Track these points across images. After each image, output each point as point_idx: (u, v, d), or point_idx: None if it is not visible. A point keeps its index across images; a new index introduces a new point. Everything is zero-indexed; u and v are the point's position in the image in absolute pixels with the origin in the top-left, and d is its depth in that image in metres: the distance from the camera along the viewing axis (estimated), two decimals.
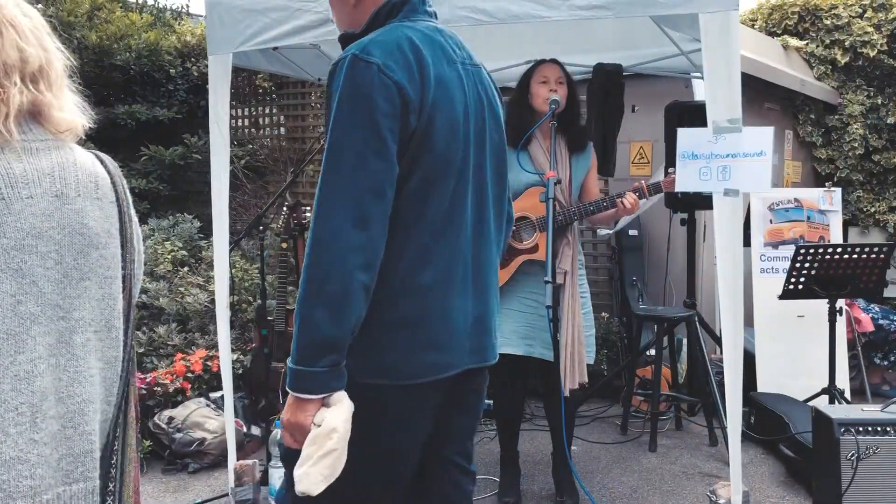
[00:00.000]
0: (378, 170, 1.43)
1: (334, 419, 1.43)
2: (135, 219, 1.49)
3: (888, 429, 2.88)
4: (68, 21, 5.92)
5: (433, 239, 1.55)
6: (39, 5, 6.00)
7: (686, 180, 2.70)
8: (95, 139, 6.03)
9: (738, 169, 2.58)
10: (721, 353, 2.90)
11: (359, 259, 1.41)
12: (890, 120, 6.16)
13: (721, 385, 3.37)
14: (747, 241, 4.46)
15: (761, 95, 5.71)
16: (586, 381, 3.08)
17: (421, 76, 1.49)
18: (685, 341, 4.40)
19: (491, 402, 4.38)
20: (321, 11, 2.94)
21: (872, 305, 4.86)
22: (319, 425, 1.42)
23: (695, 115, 3.82)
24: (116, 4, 6.74)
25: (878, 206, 6.30)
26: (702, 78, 3.26)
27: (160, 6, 9.38)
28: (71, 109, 1.35)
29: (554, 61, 3.19)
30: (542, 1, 2.62)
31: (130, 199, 1.49)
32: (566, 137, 3.19)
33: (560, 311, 3.06)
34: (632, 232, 5.25)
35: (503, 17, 2.68)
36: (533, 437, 4.16)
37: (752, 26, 6.57)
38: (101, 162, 1.41)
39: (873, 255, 3.69)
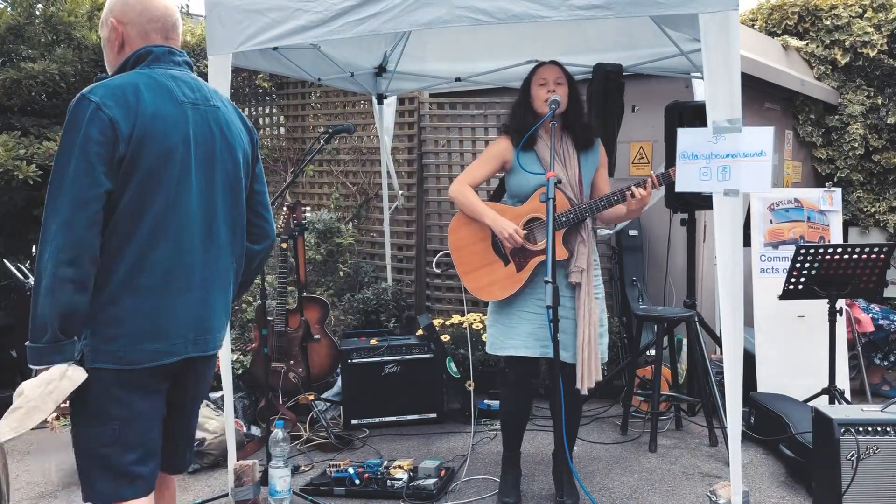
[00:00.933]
0: (84, 185, 1.79)
1: (25, 384, 1.79)
2: None
3: (888, 429, 2.88)
4: (68, 21, 5.91)
5: (149, 247, 1.89)
6: (39, 5, 5.99)
7: (686, 180, 2.70)
8: None
9: (738, 169, 2.58)
10: (721, 353, 2.91)
11: (64, 256, 1.76)
12: (890, 120, 6.16)
13: (721, 385, 3.37)
14: (747, 241, 4.46)
15: (761, 95, 5.71)
16: (601, 378, 3.10)
17: (136, 113, 1.85)
18: (685, 341, 4.40)
19: (491, 402, 4.40)
20: (321, 11, 2.94)
21: (872, 305, 4.86)
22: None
23: (695, 115, 3.83)
24: None
25: (878, 206, 6.31)
26: (702, 78, 3.26)
27: None
28: None
29: (553, 62, 3.19)
30: (542, 1, 2.62)
31: None
32: (572, 136, 3.19)
33: (577, 308, 3.09)
34: (632, 232, 5.25)
35: (503, 17, 2.68)
36: (533, 437, 4.16)
37: (752, 26, 6.58)
38: None
39: (873, 255, 3.69)
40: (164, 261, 1.91)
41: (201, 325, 2.01)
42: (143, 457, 1.94)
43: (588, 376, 3.04)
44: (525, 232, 3.08)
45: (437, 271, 5.57)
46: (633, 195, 3.02)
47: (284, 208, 4.22)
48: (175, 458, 2.17)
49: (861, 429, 2.89)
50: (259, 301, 4.18)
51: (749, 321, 3.67)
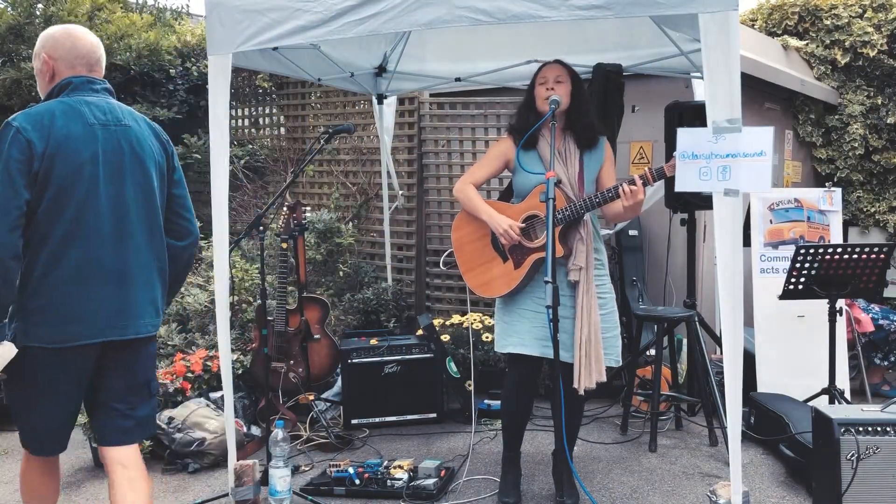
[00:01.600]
0: (7, 197, 2.17)
1: None
2: None
3: (888, 429, 2.88)
4: (68, 21, 5.91)
5: (62, 249, 2.26)
6: (40, 5, 6.00)
7: (686, 180, 2.70)
8: None
9: (738, 169, 2.58)
10: (721, 353, 2.91)
11: None
12: (890, 120, 6.16)
13: (721, 385, 3.37)
14: (747, 241, 4.46)
15: (761, 95, 5.71)
16: (604, 379, 3.07)
17: (49, 135, 2.24)
18: (685, 341, 4.40)
19: (491, 402, 4.40)
20: (321, 11, 2.94)
21: (872, 305, 4.86)
22: None
23: (695, 115, 3.83)
24: (117, 4, 6.74)
25: (878, 206, 6.31)
26: (702, 78, 3.26)
27: (160, 6, 9.38)
28: None
29: (557, 61, 3.19)
30: (542, 1, 2.62)
31: None
32: (574, 135, 3.19)
33: (575, 307, 3.06)
34: (632, 232, 5.25)
35: (503, 17, 2.68)
36: (533, 437, 4.16)
37: (752, 26, 6.58)
38: None
39: (873, 255, 3.69)
40: (77, 260, 2.28)
41: (120, 314, 2.36)
42: (56, 427, 2.38)
43: (588, 377, 3.01)
44: (522, 228, 3.08)
45: (444, 269, 5.57)
46: (623, 190, 3.00)
47: (284, 208, 4.22)
48: (119, 431, 2.47)
49: (861, 429, 2.89)
50: (259, 301, 4.18)
51: (749, 321, 3.66)
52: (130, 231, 2.39)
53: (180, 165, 2.64)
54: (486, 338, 4.67)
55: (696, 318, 4.10)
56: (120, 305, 2.36)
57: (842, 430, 2.89)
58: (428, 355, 4.42)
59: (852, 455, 2.86)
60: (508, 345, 3.15)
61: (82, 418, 3.77)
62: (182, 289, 4.87)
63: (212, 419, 3.86)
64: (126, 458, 2.45)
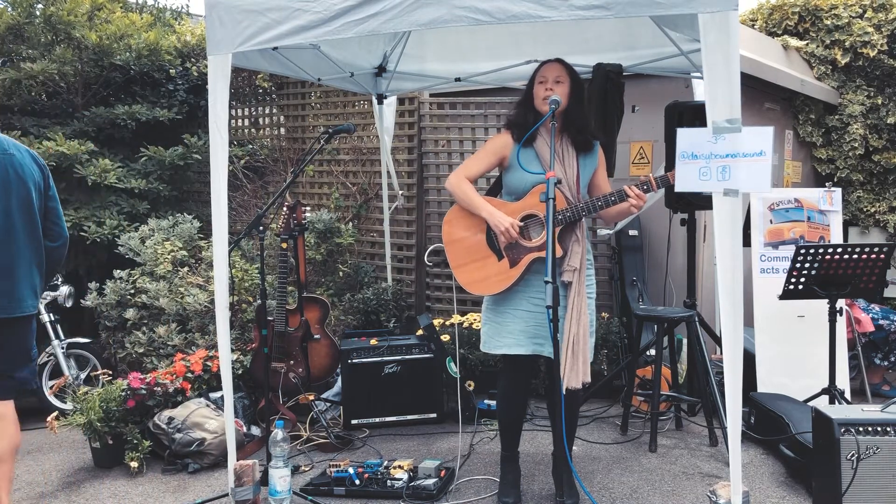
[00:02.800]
0: None
1: None
2: None
3: (888, 429, 2.88)
4: (68, 21, 5.91)
5: None
6: (40, 5, 5.99)
7: (686, 180, 2.70)
8: (96, 139, 6.04)
9: (738, 169, 2.58)
10: (721, 353, 2.91)
11: None
12: (890, 120, 6.16)
13: (721, 385, 3.37)
14: (747, 241, 4.46)
15: (761, 95, 5.71)
16: (589, 380, 3.06)
17: None
18: (685, 341, 4.40)
19: (491, 402, 4.40)
20: (321, 11, 2.94)
21: (872, 305, 4.86)
22: None
23: (695, 115, 3.83)
24: (116, 4, 6.73)
25: (878, 206, 6.31)
26: (702, 78, 3.26)
27: (160, 6, 9.38)
28: None
29: (558, 61, 3.18)
30: (542, 1, 2.62)
31: None
32: (570, 136, 3.18)
33: (565, 307, 3.05)
34: (632, 232, 5.25)
35: (503, 17, 2.68)
36: (533, 437, 4.16)
37: (752, 26, 6.58)
38: None
39: (873, 255, 3.69)
40: None
41: (7, 297, 2.94)
42: None
43: (574, 376, 2.98)
44: (521, 226, 3.08)
45: (429, 263, 5.58)
46: (636, 192, 3.00)
47: (284, 208, 4.22)
48: (2, 388, 3.02)
49: (861, 429, 2.89)
50: (259, 301, 4.18)
51: (749, 321, 3.66)
52: (15, 236, 2.99)
53: (54, 184, 3.22)
54: (481, 336, 4.67)
55: (696, 318, 4.10)
56: (7, 291, 2.95)
57: (842, 430, 2.89)
58: (428, 355, 4.42)
59: (852, 455, 2.86)
60: (502, 346, 3.14)
61: (81, 419, 3.78)
62: (182, 289, 4.89)
63: (212, 419, 3.86)
64: (3, 410, 3.01)
